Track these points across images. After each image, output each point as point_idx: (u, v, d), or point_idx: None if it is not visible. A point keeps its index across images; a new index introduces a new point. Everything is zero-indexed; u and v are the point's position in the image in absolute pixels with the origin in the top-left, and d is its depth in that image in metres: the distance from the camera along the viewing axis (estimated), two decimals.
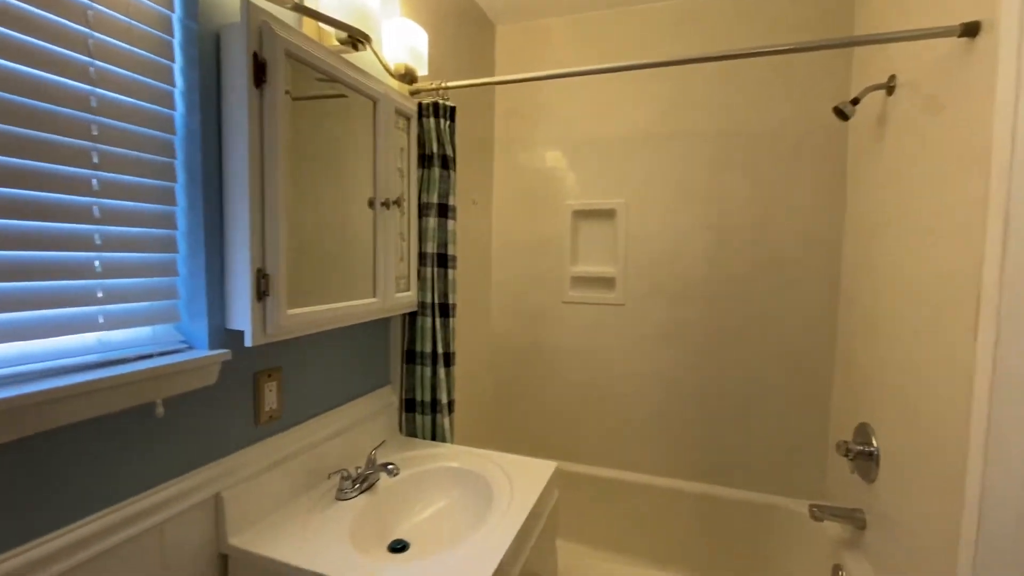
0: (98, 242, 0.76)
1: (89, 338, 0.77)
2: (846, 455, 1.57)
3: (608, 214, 2.09)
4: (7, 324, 0.66)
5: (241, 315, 0.90)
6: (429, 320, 1.46)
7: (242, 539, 0.94)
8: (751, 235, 1.90)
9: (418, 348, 1.47)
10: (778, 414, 1.91)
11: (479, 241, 2.12)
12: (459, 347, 1.93)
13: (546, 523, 1.20)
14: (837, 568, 1.60)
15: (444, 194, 1.46)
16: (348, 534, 0.97)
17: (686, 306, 1.99)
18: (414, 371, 1.48)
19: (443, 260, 1.47)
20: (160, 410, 0.79)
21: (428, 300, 1.45)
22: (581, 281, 2.15)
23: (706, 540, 1.97)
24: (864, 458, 1.54)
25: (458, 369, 1.90)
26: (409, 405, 1.51)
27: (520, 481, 1.19)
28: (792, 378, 1.88)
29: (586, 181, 2.11)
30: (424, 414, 1.48)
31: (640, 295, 2.05)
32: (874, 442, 1.52)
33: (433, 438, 1.48)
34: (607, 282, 2.11)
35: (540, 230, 2.19)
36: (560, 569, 1.48)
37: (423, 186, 1.45)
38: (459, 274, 1.90)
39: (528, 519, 1.07)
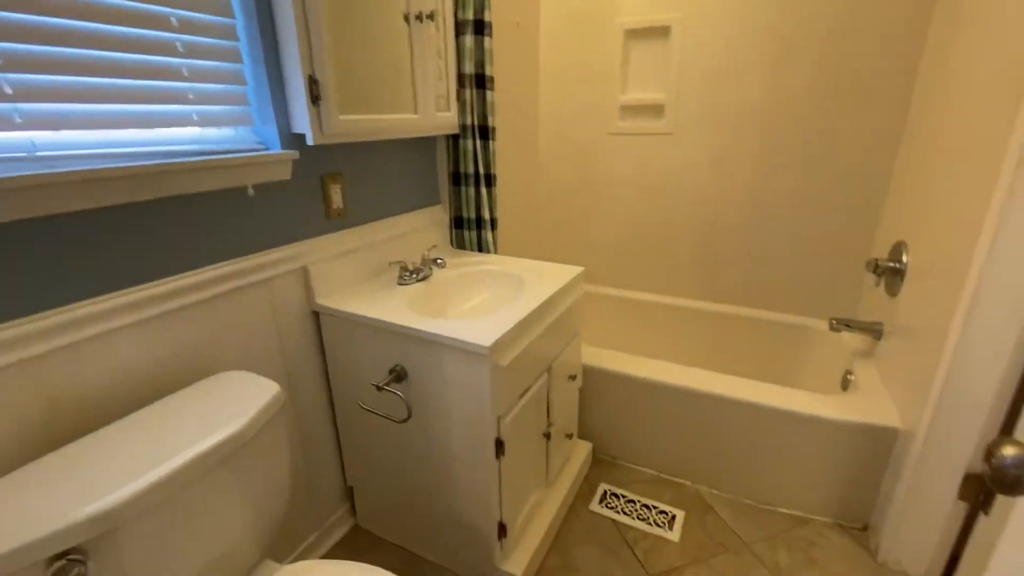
0: (180, 49, 0.92)
1: (190, 133, 0.97)
2: (875, 271, 1.62)
3: (662, 32, 1.96)
4: (128, 114, 0.87)
5: (300, 118, 1.06)
6: (471, 143, 1.57)
7: (327, 301, 1.23)
8: (820, 45, 1.73)
9: (462, 170, 1.61)
10: (823, 236, 1.92)
11: (523, 68, 2.10)
12: (506, 176, 2.06)
13: (570, 310, 1.41)
14: (847, 373, 1.75)
15: (479, 9, 1.46)
16: (407, 306, 1.23)
17: (739, 132, 1.94)
18: (459, 192, 1.65)
19: (480, 81, 1.53)
20: (251, 191, 1.01)
21: (468, 122, 1.55)
22: (630, 111, 2.12)
23: (735, 355, 2.17)
24: (892, 274, 1.59)
25: (507, 199, 2.05)
26: (458, 223, 1.70)
27: (548, 278, 1.39)
28: (843, 199, 1.86)
29: None
30: (470, 230, 1.67)
31: (690, 122, 2.00)
32: (904, 258, 1.55)
33: (480, 250, 1.69)
34: (656, 110, 2.06)
35: (589, 55, 2.11)
36: (593, 362, 1.75)
37: (458, 1, 1.45)
38: (503, 103, 1.94)
39: (553, 298, 1.29)
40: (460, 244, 1.72)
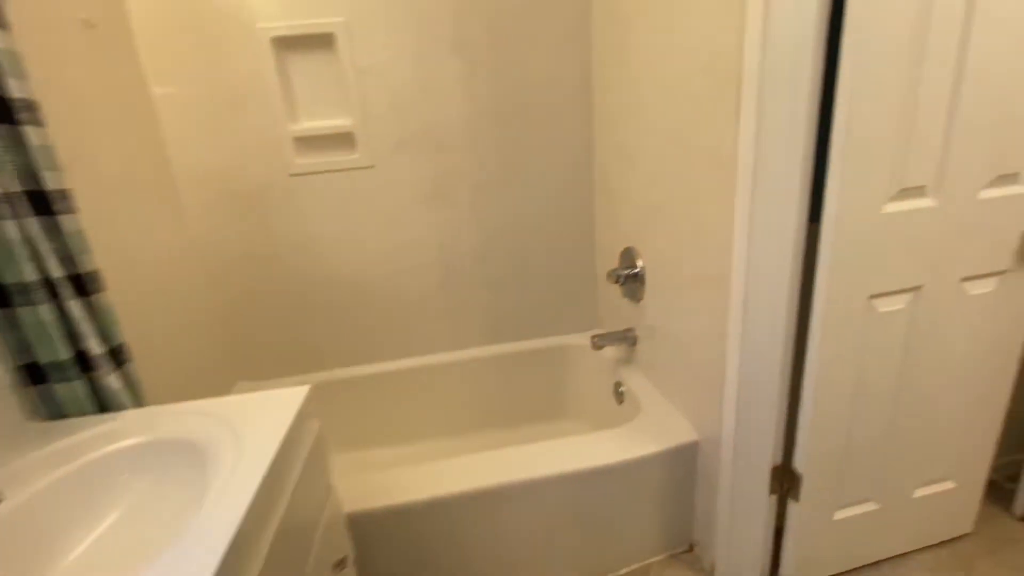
0: None
1: None
2: (617, 281, 1.58)
3: (324, 41, 1.53)
4: None
5: None
6: (12, 225, 0.81)
7: None
8: (500, 56, 1.60)
9: (8, 279, 0.83)
10: (551, 257, 1.85)
11: (115, 90, 1.34)
12: (121, 266, 1.27)
13: (308, 460, 0.85)
14: (618, 384, 1.70)
15: None
16: None
17: (448, 156, 1.67)
18: (19, 317, 0.85)
19: (4, 111, 0.79)
20: None
21: None
22: (310, 143, 1.61)
23: (502, 397, 1.93)
24: (632, 280, 1.57)
25: (136, 303, 1.28)
26: (33, 374, 0.89)
27: (254, 428, 0.79)
28: (560, 217, 1.81)
29: None
30: (66, 381, 0.89)
31: (389, 150, 1.64)
32: (639, 263, 1.54)
33: (102, 410, 0.93)
34: (345, 139, 1.62)
35: (231, 72, 1.50)
36: (345, 484, 1.20)
37: None
38: (83, 145, 1.17)
39: (275, 467, 0.71)
40: (54, 410, 0.91)
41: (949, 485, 1.33)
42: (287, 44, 1.52)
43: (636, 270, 1.54)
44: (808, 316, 1.08)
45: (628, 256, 1.59)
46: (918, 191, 1.01)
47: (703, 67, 1.09)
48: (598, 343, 1.66)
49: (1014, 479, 1.56)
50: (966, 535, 1.41)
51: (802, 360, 1.13)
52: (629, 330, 1.67)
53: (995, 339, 1.19)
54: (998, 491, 1.54)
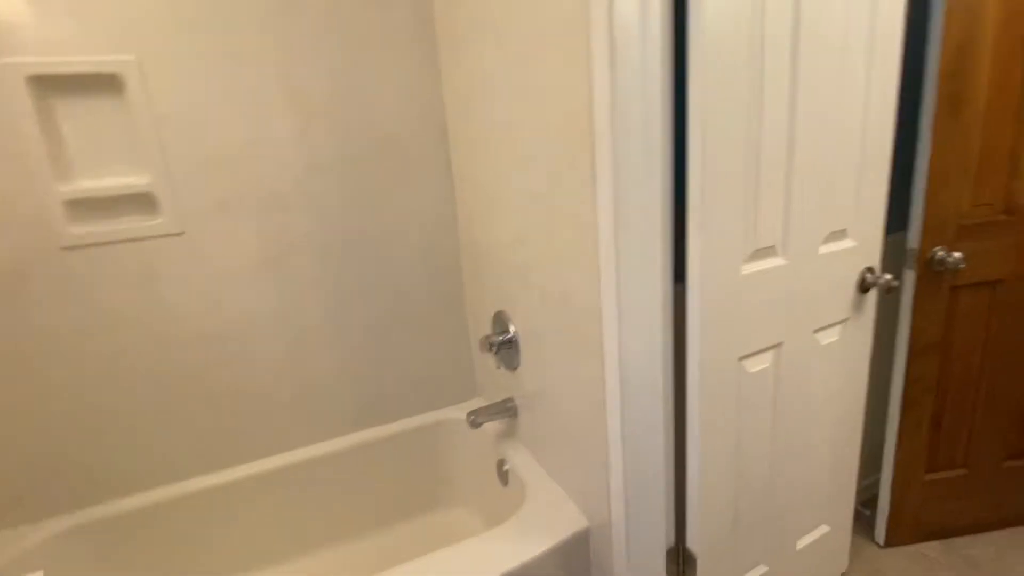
0: None
1: None
2: (491, 349, 1.43)
3: (108, 82, 1.22)
4: None
5: None
6: None
7: None
8: (341, 104, 1.42)
9: None
10: (418, 323, 1.65)
11: None
12: None
13: None
14: (501, 462, 1.53)
15: None
16: None
17: (280, 217, 1.42)
18: None
19: None
20: None
21: None
22: (91, 207, 1.26)
23: (372, 493, 1.65)
24: (506, 347, 1.43)
25: None
26: None
27: None
28: (424, 279, 1.63)
29: (52, 14, 1.14)
30: None
31: (206, 212, 1.34)
32: (511, 328, 1.42)
33: None
34: (143, 201, 1.30)
35: None
36: None
37: None
38: None
39: None
40: None
41: (824, 529, 1.35)
42: (53, 85, 1.18)
43: (509, 335, 1.41)
44: (684, 384, 1.02)
45: (500, 321, 1.46)
46: (769, 251, 1.01)
47: (558, 129, 1.02)
48: (475, 420, 1.48)
49: (869, 504, 1.67)
50: (843, 574, 1.44)
51: (683, 430, 1.06)
52: (508, 400, 1.52)
53: (845, 381, 1.25)
54: (859, 519, 1.62)
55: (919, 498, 1.55)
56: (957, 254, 1.29)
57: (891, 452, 1.50)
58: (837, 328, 1.19)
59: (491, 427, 1.62)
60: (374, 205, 1.51)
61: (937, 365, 1.43)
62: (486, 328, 1.56)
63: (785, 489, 1.21)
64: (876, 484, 1.62)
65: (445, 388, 1.74)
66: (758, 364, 1.06)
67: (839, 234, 1.12)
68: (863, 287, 1.19)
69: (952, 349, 1.43)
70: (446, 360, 1.72)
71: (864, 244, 1.16)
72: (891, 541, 1.58)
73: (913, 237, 1.33)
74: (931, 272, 1.34)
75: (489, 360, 1.60)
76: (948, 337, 1.42)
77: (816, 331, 1.14)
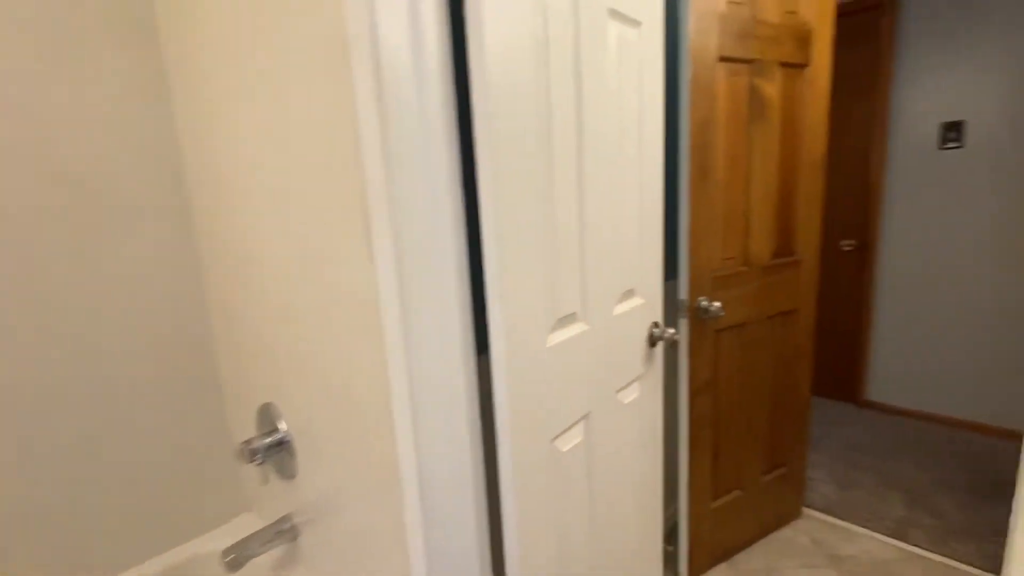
0: None
1: None
2: (252, 459, 1.08)
3: None
4: None
5: None
6: None
7: None
8: (14, 133, 0.97)
9: None
10: (152, 432, 1.20)
11: None
12: None
13: None
14: None
15: None
16: None
17: None
18: None
19: None
20: None
21: None
22: None
23: None
24: (277, 451, 1.11)
25: None
26: None
27: None
28: (158, 372, 1.20)
29: None
30: None
31: None
32: (282, 426, 1.10)
33: None
34: None
35: None
36: None
37: None
38: None
39: None
40: None
41: None
42: None
43: (280, 435, 1.09)
44: (496, 476, 0.87)
45: (268, 416, 1.12)
46: (571, 317, 0.94)
47: (323, 183, 0.80)
48: (235, 560, 1.09)
49: (669, 538, 1.75)
50: None
51: (500, 529, 0.90)
52: (285, 520, 1.17)
53: (646, 434, 1.26)
54: (664, 556, 1.68)
55: (710, 526, 1.67)
56: (717, 303, 1.44)
57: (684, 489, 1.59)
58: (635, 385, 1.19)
59: (267, 558, 1.24)
60: (71, 274, 1.05)
61: (711, 401, 1.59)
62: (250, 426, 1.20)
63: (604, 555, 1.14)
64: (672, 514, 1.71)
65: (199, 510, 1.29)
66: (570, 441, 0.98)
67: (629, 293, 1.13)
68: (652, 341, 1.23)
69: (719, 385, 1.60)
70: (196, 472, 1.28)
71: (650, 300, 1.20)
72: (692, 573, 1.66)
73: (682, 289, 1.45)
74: (699, 320, 1.48)
75: (254, 472, 1.23)
76: (716, 375, 1.58)
77: (618, 391, 1.12)
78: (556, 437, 0.93)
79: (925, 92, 2.45)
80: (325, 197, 0.80)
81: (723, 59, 1.38)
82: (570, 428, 0.97)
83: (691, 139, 1.34)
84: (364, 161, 0.69)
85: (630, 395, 1.17)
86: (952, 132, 2.40)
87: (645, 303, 1.18)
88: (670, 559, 1.70)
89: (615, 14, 0.97)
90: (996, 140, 2.30)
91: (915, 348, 2.65)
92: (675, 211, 1.42)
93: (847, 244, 2.79)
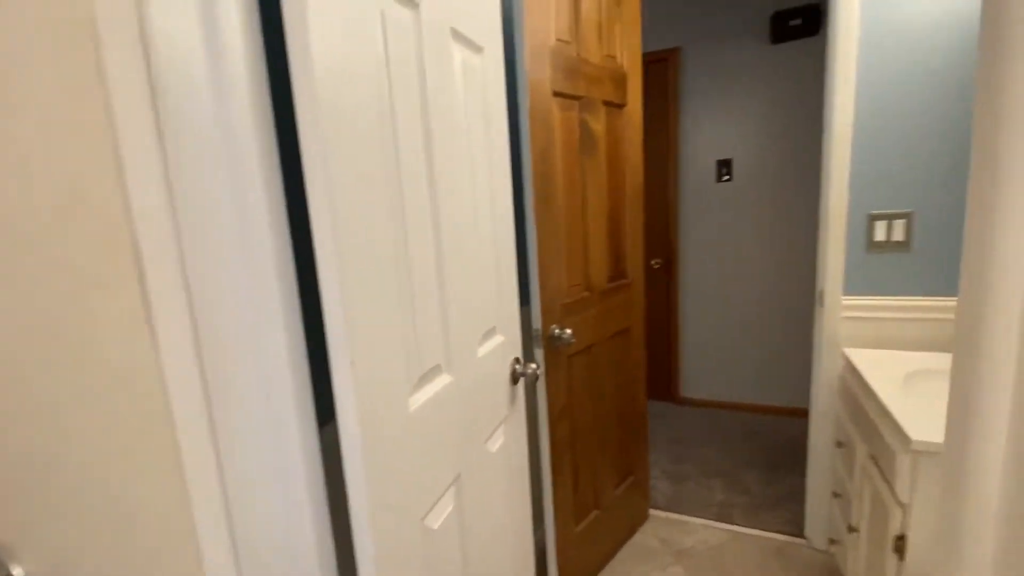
0: None
1: None
2: None
3: None
4: None
5: None
6: None
7: None
8: None
9: None
10: None
11: None
12: None
13: None
14: None
15: None
16: None
17: None
18: None
19: None
20: None
21: None
22: None
23: None
24: None
25: None
26: None
27: None
28: None
29: None
30: None
31: None
32: (17, 572, 0.75)
33: None
34: None
35: None
36: None
37: None
38: None
39: None
40: None
41: None
42: None
43: None
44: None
45: None
46: (436, 370, 0.82)
47: (70, 224, 0.55)
48: None
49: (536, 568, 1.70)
50: None
51: None
52: None
53: (515, 481, 1.19)
54: None
55: (575, 552, 1.67)
56: (568, 330, 1.46)
57: (551, 520, 1.57)
58: (501, 429, 1.11)
59: None
60: None
61: (569, 426, 1.60)
62: None
63: None
64: (539, 540, 1.68)
65: None
66: (442, 513, 0.84)
67: (491, 332, 1.05)
68: (515, 378, 1.17)
69: (574, 409, 1.62)
70: None
71: (510, 336, 1.14)
72: None
73: (536, 318, 1.44)
74: (553, 348, 1.48)
75: None
76: (571, 400, 1.60)
77: (486, 441, 1.03)
78: (427, 514, 0.79)
79: (703, 134, 2.94)
80: (72, 240, 0.55)
81: (556, 94, 1.43)
82: (441, 498, 0.84)
83: (533, 169, 1.34)
84: (130, 189, 0.48)
85: (497, 441, 1.08)
86: (724, 168, 2.92)
87: (506, 340, 1.11)
88: None
89: (458, 36, 0.90)
90: (754, 174, 2.86)
91: (715, 347, 3.12)
92: (523, 241, 1.41)
93: (656, 262, 3.18)
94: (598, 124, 1.62)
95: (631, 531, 2.01)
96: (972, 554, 0.34)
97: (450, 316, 0.86)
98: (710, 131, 2.92)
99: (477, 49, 0.98)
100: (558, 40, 1.43)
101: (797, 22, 2.58)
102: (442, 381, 0.84)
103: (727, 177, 2.93)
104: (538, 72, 1.34)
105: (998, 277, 0.35)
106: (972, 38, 1.50)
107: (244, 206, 0.56)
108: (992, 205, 0.37)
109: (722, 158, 2.92)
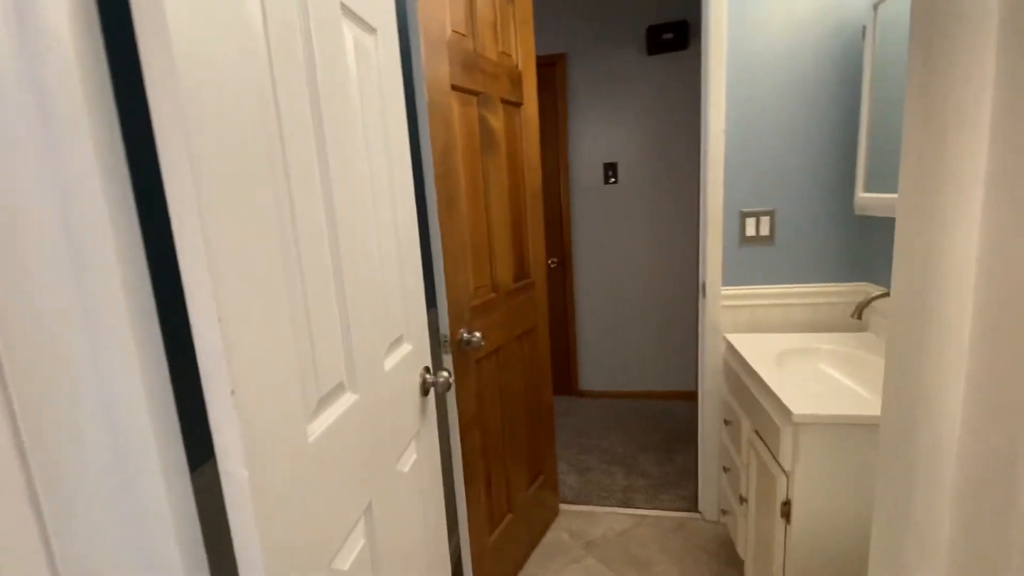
0: None
1: None
2: None
3: None
4: None
5: None
6: None
7: None
8: None
9: None
10: None
11: None
12: None
13: None
14: None
15: None
16: None
17: None
18: None
19: None
20: None
21: None
22: None
23: None
24: None
25: None
26: None
27: None
28: None
29: None
30: None
31: None
32: None
33: None
34: None
35: None
36: None
37: None
38: None
39: None
40: None
41: None
42: None
43: None
44: None
45: None
46: (338, 390, 0.72)
47: None
48: None
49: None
50: None
51: None
52: None
53: (429, 500, 1.11)
54: None
55: (491, 561, 1.63)
56: (477, 334, 1.41)
57: (465, 530, 1.50)
58: (413, 445, 1.03)
59: None
60: None
61: (480, 433, 1.54)
62: None
63: None
64: (454, 549, 1.60)
65: None
66: (353, 549, 0.74)
67: (398, 341, 0.96)
68: (424, 389, 1.09)
69: (485, 414, 1.58)
70: None
71: (418, 345, 1.06)
72: None
73: (443, 323, 1.37)
74: (462, 352, 1.42)
75: None
76: (481, 406, 1.55)
77: (397, 460, 0.94)
78: (335, 556, 0.69)
79: (590, 138, 3.07)
80: None
81: (455, 88, 1.37)
82: (351, 533, 0.74)
83: (435, 166, 1.27)
84: None
85: (409, 460, 1.00)
86: (611, 171, 3.08)
87: (415, 348, 1.03)
88: None
89: (348, 12, 0.80)
90: (637, 177, 3.05)
91: (609, 340, 3.28)
92: (427, 242, 1.33)
93: (552, 261, 3.26)
94: (497, 122, 1.59)
95: (544, 528, 2.02)
96: (927, 534, 0.36)
97: (352, 326, 0.76)
98: (596, 135, 3.06)
99: (370, 30, 0.89)
100: (454, 32, 1.37)
101: (669, 36, 2.79)
102: (346, 401, 0.74)
103: (613, 180, 3.08)
104: (436, 64, 1.27)
105: (934, 268, 0.37)
106: (819, 66, 1.72)
107: (70, 201, 0.43)
108: (920, 204, 0.40)
109: (608, 161, 3.07)
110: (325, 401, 0.68)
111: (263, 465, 0.54)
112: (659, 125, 2.97)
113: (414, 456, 1.02)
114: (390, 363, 0.91)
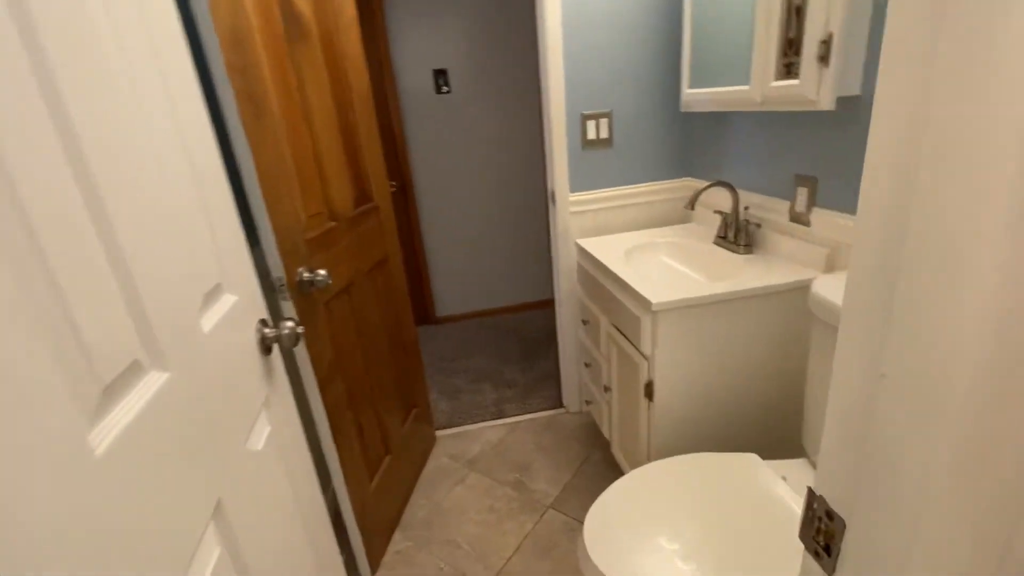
0: None
1: None
2: None
3: None
4: None
5: None
6: None
7: None
8: None
9: None
10: None
11: None
12: None
13: None
14: None
15: None
16: None
17: None
18: None
19: None
20: None
21: None
22: None
23: None
24: None
25: None
26: None
27: None
28: None
29: None
30: None
31: None
32: None
33: None
34: None
35: None
36: None
37: None
38: None
39: None
40: None
41: None
42: None
43: None
44: None
45: None
46: (134, 371, 0.50)
47: None
48: None
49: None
50: None
51: None
52: None
53: (295, 468, 0.94)
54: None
55: (374, 508, 1.54)
56: (322, 271, 1.19)
57: (343, 488, 1.37)
58: (263, 416, 0.84)
59: None
60: None
61: (343, 381, 1.37)
62: None
63: None
64: (331, 499, 1.49)
65: None
66: (205, 565, 0.57)
67: (216, 292, 0.73)
68: (266, 347, 0.88)
69: (344, 360, 1.40)
70: None
71: (245, 293, 0.83)
72: (374, 565, 1.52)
73: (275, 265, 1.12)
74: (307, 296, 1.19)
75: None
76: (339, 353, 1.37)
77: (246, 440, 0.75)
78: None
79: (413, 43, 2.75)
80: None
81: None
82: (198, 547, 0.56)
83: (225, 56, 0.95)
84: None
85: (262, 434, 0.81)
86: (442, 79, 2.83)
87: (241, 298, 0.80)
88: (350, 565, 1.49)
89: None
90: (472, 84, 2.86)
91: (461, 261, 3.21)
92: (234, 162, 1.02)
93: (392, 185, 2.99)
94: (304, 4, 1.26)
95: (424, 459, 1.98)
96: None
97: (140, 284, 0.52)
98: (420, 40, 2.75)
99: None
100: None
101: None
102: (151, 384, 0.52)
103: (446, 89, 2.85)
104: None
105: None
106: None
107: None
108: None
109: (438, 68, 2.81)
110: (113, 392, 0.47)
111: (8, 517, 0.34)
112: (492, 29, 2.77)
113: (267, 428, 0.83)
114: (209, 322, 0.68)
